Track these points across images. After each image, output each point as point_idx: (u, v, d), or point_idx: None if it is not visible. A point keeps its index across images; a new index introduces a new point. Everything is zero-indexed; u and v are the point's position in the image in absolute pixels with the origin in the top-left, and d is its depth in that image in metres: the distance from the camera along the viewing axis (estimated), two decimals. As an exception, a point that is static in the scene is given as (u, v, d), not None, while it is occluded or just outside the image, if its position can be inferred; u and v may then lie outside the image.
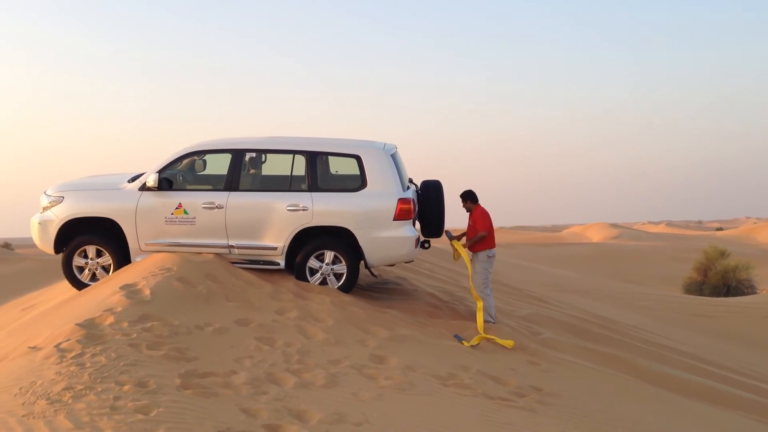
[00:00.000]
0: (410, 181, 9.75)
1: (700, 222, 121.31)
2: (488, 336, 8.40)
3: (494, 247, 9.31)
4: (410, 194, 8.90)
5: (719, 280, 26.59)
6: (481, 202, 9.45)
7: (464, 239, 9.45)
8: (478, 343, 8.13)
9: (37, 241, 9.22)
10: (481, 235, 9.15)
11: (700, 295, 25.24)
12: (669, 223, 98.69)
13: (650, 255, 41.93)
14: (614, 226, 72.75)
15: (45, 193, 9.27)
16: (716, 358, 11.79)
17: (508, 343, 8.27)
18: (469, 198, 9.39)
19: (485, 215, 9.26)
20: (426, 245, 9.53)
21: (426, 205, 9.37)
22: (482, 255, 9.20)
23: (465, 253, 9.31)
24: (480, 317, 8.70)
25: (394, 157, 9.03)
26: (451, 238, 9.48)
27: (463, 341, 8.07)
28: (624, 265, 38.14)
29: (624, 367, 8.78)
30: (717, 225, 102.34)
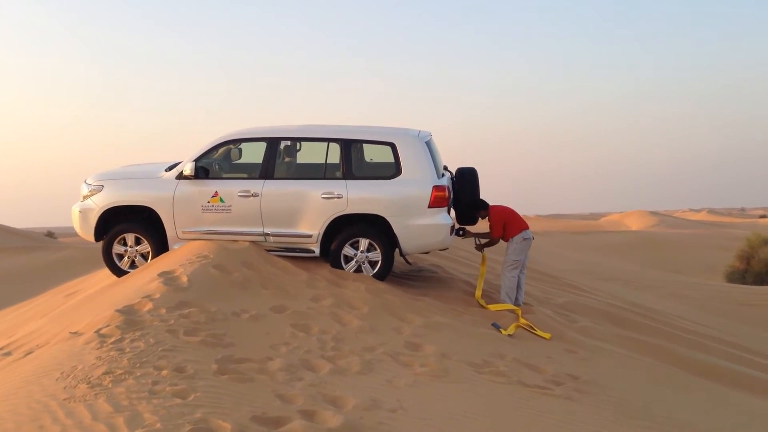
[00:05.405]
0: (445, 168, 9.69)
1: (743, 209, 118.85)
2: (527, 324, 8.34)
3: (527, 228, 9.24)
4: (445, 181, 8.84)
5: (762, 269, 26.07)
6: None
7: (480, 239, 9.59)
8: (515, 332, 8.06)
9: (78, 229, 9.40)
10: (488, 239, 9.37)
11: (743, 283, 24.75)
12: (710, 211, 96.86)
13: (691, 243, 41.11)
14: (654, 213, 71.63)
15: (85, 182, 9.43)
16: (760, 348, 11.52)
17: (546, 335, 8.20)
18: (475, 209, 9.33)
19: (497, 216, 9.19)
20: (461, 233, 9.48)
21: (461, 192, 9.31)
22: (518, 237, 9.16)
23: (483, 268, 9.54)
24: (479, 293, 9.13)
25: (428, 145, 8.97)
26: (479, 248, 9.61)
27: (501, 329, 8.02)
28: (664, 253, 37.47)
29: (664, 356, 8.62)
30: (761, 212, 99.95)
